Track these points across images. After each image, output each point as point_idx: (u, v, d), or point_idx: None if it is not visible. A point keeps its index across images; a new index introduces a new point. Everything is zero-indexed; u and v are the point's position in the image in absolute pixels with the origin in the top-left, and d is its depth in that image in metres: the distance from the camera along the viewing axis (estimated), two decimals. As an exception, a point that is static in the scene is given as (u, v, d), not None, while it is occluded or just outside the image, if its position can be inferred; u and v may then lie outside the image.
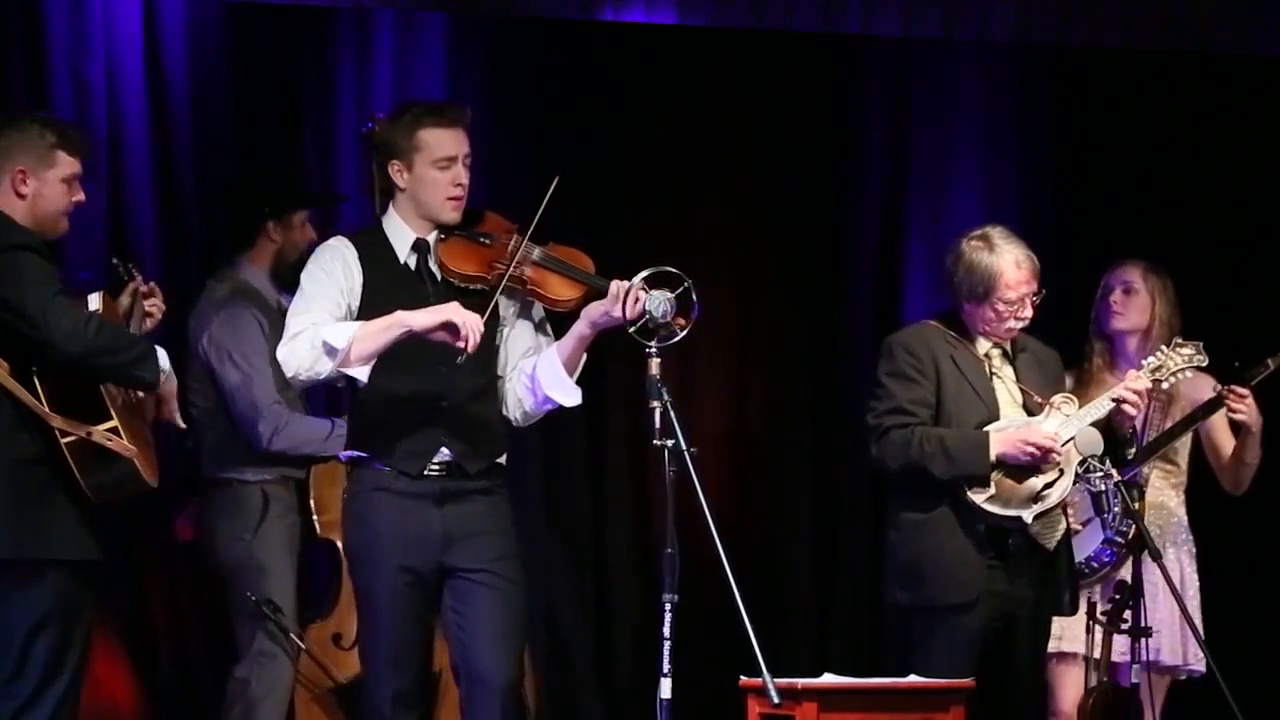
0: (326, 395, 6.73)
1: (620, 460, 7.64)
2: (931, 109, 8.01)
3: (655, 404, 5.15)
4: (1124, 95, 8.01)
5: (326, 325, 5.37)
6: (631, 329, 5.40)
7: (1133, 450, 6.36)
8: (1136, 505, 6.30)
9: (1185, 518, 6.77)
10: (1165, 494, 6.72)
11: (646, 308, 5.37)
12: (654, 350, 5.29)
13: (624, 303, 5.38)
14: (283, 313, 6.49)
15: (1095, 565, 6.51)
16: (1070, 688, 6.59)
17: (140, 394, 5.51)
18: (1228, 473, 6.76)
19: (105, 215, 6.94)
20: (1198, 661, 6.58)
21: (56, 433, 5.23)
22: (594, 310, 5.44)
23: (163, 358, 5.47)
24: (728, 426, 7.77)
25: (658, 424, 5.13)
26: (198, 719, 6.66)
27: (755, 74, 7.85)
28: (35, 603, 5.25)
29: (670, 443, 5.11)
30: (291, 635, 6.41)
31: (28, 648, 5.24)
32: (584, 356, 5.54)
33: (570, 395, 5.53)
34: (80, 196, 5.57)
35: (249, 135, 7.24)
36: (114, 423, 5.30)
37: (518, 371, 5.57)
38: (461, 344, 5.27)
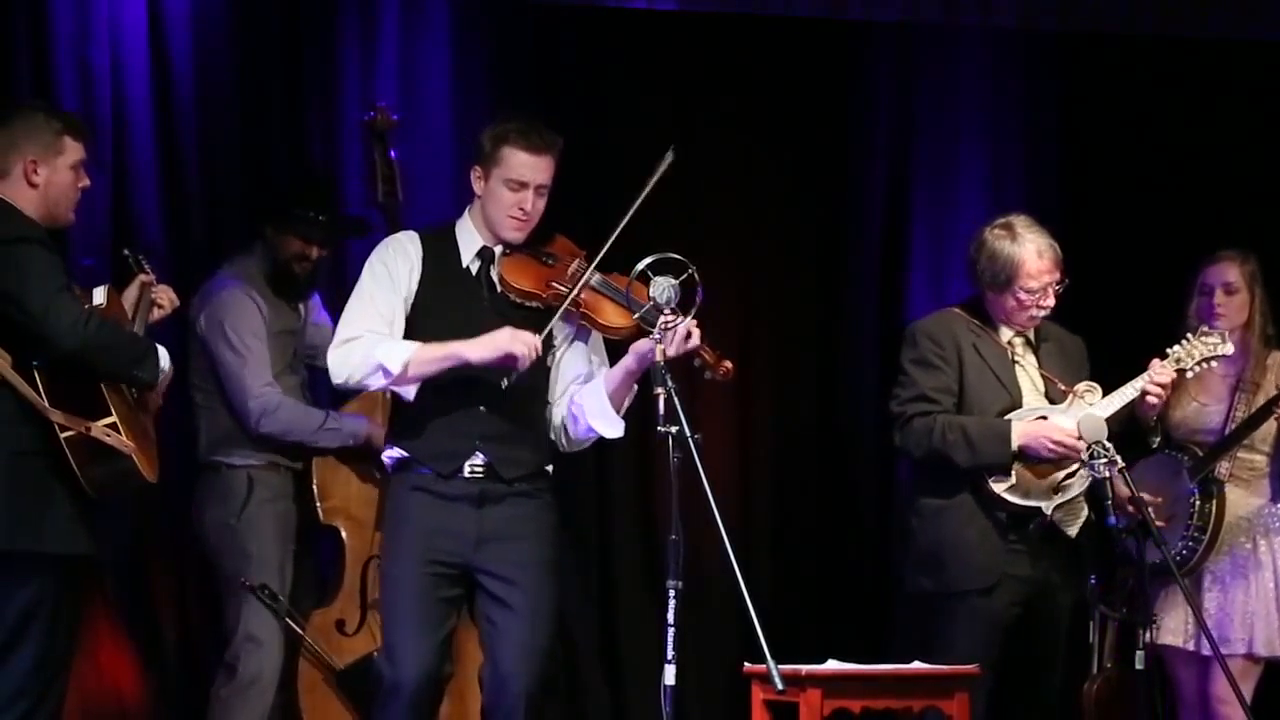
0: (330, 393, 6.73)
1: (625, 447, 7.61)
2: (935, 96, 8.00)
3: (660, 390, 5.15)
4: (1128, 81, 8.00)
5: (383, 342, 5.42)
6: (636, 314, 5.41)
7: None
8: (1214, 502, 6.29)
9: (1276, 505, 6.62)
10: (1256, 485, 6.58)
11: (651, 294, 5.37)
12: (659, 337, 5.29)
13: (673, 338, 5.32)
14: (275, 307, 6.50)
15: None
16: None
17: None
18: None
19: (109, 202, 6.95)
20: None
21: (55, 427, 5.23)
22: (643, 345, 5.44)
23: (163, 357, 5.49)
24: (732, 413, 7.76)
25: (662, 410, 5.12)
26: (201, 707, 6.66)
27: (757, 60, 7.84)
28: (24, 595, 5.25)
29: (675, 429, 5.10)
30: (287, 620, 6.41)
31: (14, 640, 5.24)
32: (634, 389, 5.56)
33: (613, 427, 5.57)
34: (86, 182, 5.58)
35: (254, 121, 7.24)
36: (113, 418, 5.30)
37: (566, 397, 5.62)
38: (516, 368, 5.36)
